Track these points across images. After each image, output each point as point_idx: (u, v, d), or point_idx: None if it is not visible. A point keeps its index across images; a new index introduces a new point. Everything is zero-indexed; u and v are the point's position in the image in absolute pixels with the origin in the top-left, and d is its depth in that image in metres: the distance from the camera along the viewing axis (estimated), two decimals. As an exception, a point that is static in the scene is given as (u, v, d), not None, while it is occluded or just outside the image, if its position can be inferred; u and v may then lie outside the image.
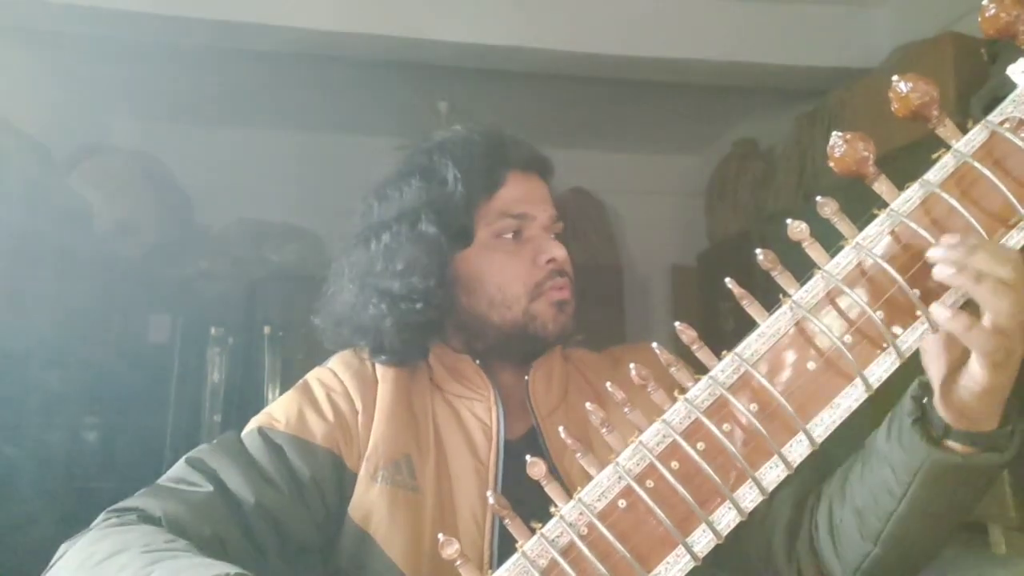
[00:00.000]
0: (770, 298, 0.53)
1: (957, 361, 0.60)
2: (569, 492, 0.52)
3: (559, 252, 0.92)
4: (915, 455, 0.67)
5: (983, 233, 0.49)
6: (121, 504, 0.76)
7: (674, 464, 0.51)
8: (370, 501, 0.84)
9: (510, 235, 0.93)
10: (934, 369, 0.62)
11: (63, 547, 0.70)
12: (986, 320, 0.53)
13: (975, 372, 0.58)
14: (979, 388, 0.60)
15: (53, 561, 0.69)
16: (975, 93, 2.36)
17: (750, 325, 0.52)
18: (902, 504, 0.69)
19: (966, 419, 0.64)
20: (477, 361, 0.93)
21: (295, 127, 4.47)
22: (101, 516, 0.74)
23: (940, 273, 0.50)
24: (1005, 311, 0.52)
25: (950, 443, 0.65)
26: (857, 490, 0.75)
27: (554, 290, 0.92)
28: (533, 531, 0.51)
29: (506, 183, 0.94)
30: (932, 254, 0.50)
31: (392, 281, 0.91)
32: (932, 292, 0.50)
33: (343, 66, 3.44)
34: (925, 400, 0.67)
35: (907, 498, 0.68)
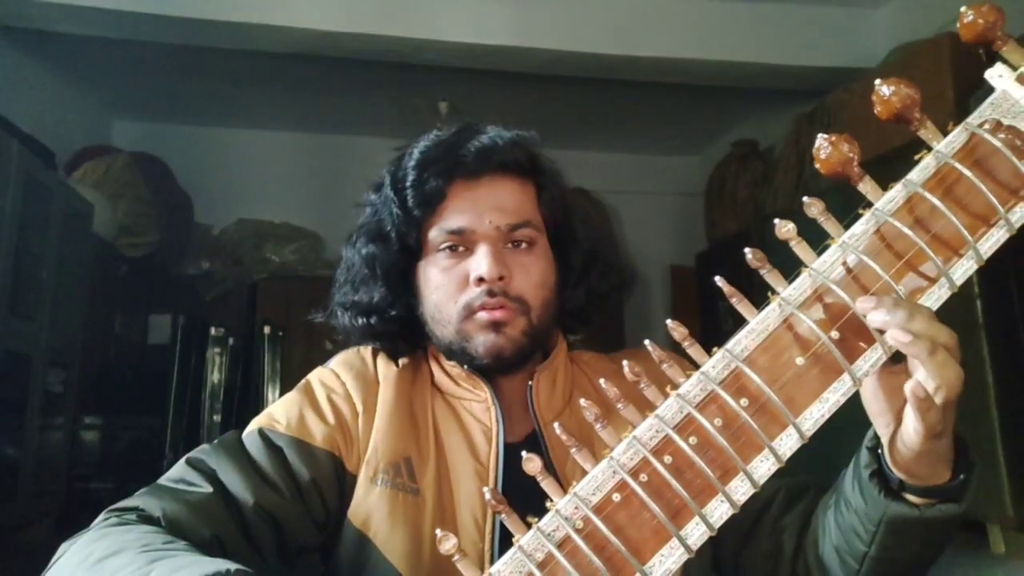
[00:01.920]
0: (769, 297, 0.53)
1: (897, 421, 0.60)
2: (565, 488, 0.52)
3: (489, 270, 0.85)
4: (875, 507, 0.66)
5: (901, 293, 0.50)
6: (121, 504, 0.76)
7: (667, 458, 0.51)
8: (370, 504, 0.84)
9: (448, 249, 0.89)
10: (879, 427, 0.62)
11: (63, 547, 0.70)
12: (934, 392, 0.53)
13: (911, 440, 0.59)
14: (913, 455, 0.60)
15: (53, 561, 0.69)
16: (973, 93, 2.37)
17: (745, 324, 0.53)
18: (872, 548, 0.69)
19: (914, 476, 0.63)
20: (465, 366, 0.91)
21: (295, 127, 4.48)
22: (101, 516, 0.74)
23: (895, 339, 0.50)
24: (954, 383, 0.53)
25: (908, 495, 0.65)
26: (833, 529, 0.75)
27: (484, 311, 0.86)
28: (530, 526, 0.52)
29: (449, 195, 0.89)
30: (874, 317, 0.50)
31: (350, 294, 0.94)
32: (916, 289, 0.51)
33: (343, 66, 3.45)
34: (880, 451, 0.66)
35: (875, 544, 0.68)
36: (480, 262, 0.86)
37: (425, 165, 0.90)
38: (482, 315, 0.86)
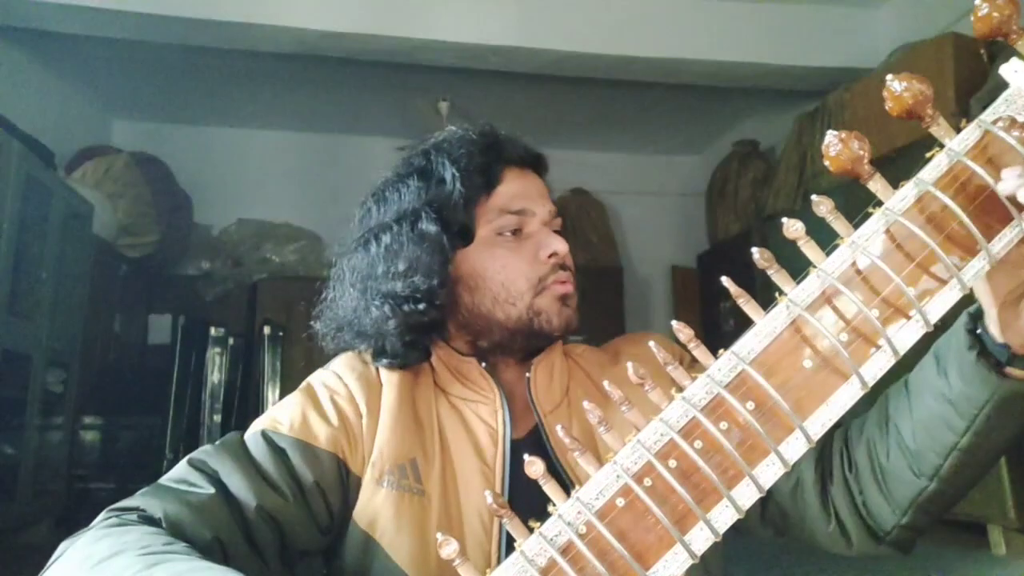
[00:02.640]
0: (772, 298, 0.53)
1: (1022, 284, 0.60)
2: (568, 491, 0.52)
3: (561, 246, 0.91)
4: (982, 388, 0.66)
5: None
6: (121, 503, 0.75)
7: (672, 462, 0.50)
8: (375, 506, 0.83)
9: (511, 231, 0.92)
10: (993, 296, 0.61)
11: (62, 546, 0.69)
12: None
13: None
14: None
15: (52, 560, 0.68)
16: (975, 93, 2.36)
17: (750, 325, 0.52)
18: (965, 437, 0.69)
19: None
20: (483, 364, 0.92)
21: (295, 127, 4.48)
22: (101, 515, 0.73)
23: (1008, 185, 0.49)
24: None
25: (1013, 371, 0.65)
26: (906, 429, 0.74)
27: (557, 284, 0.90)
28: (532, 530, 0.51)
29: (504, 180, 0.93)
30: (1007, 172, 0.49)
31: (395, 283, 0.90)
32: (927, 291, 0.50)
33: (343, 66, 3.45)
34: (979, 332, 0.66)
35: (971, 431, 0.69)
36: (552, 239, 0.92)
37: (480, 149, 0.93)
38: (557, 288, 0.90)
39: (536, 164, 0.99)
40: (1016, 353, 0.65)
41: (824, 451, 0.84)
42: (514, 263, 0.90)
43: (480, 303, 0.91)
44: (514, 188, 0.93)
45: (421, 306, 0.89)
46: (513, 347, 0.92)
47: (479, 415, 0.90)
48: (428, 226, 0.90)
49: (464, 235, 0.91)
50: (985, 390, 0.66)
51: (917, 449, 0.73)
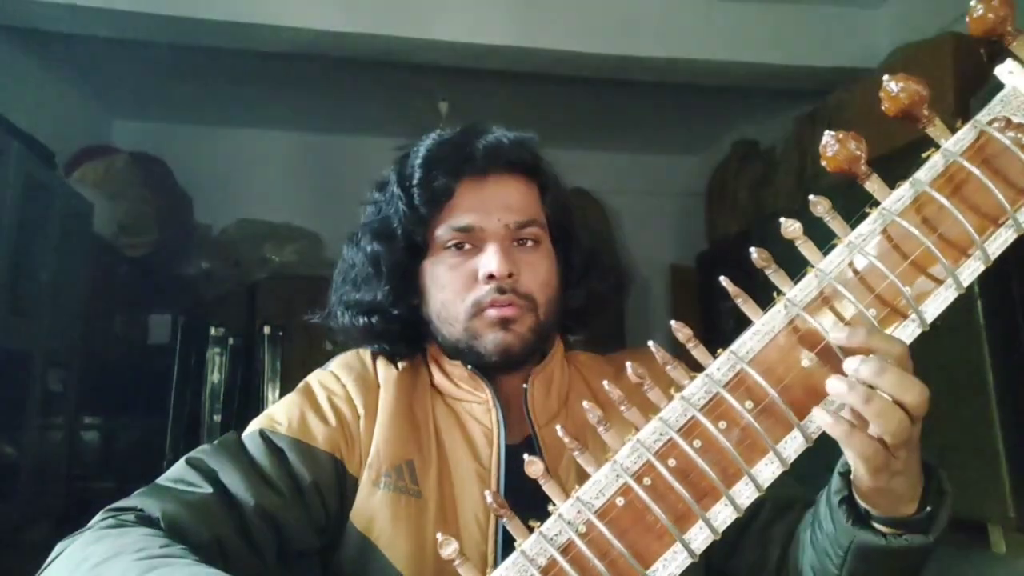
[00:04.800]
0: (772, 298, 0.53)
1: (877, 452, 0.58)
2: (567, 491, 0.52)
3: (499, 267, 0.85)
4: (843, 534, 0.65)
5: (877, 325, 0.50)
6: (119, 503, 0.75)
7: (671, 462, 0.51)
8: (372, 507, 0.83)
9: (455, 247, 0.89)
10: (848, 456, 0.59)
11: (59, 546, 0.69)
12: (873, 430, 0.52)
13: (858, 472, 0.58)
14: (868, 489, 0.59)
15: (49, 560, 0.68)
16: (975, 93, 2.36)
17: (748, 325, 0.53)
18: (843, 572, 0.68)
19: (877, 508, 0.62)
20: (468, 366, 0.91)
21: (295, 127, 4.47)
22: (99, 515, 0.73)
23: (832, 388, 0.50)
24: (891, 431, 0.52)
25: (876, 524, 0.64)
26: (808, 548, 0.75)
27: (493, 308, 0.86)
28: (532, 530, 0.51)
29: (456, 193, 0.89)
30: (846, 366, 0.50)
31: (352, 293, 0.93)
32: (924, 291, 0.51)
33: (343, 66, 3.45)
34: (853, 477, 0.64)
35: (845, 569, 0.68)
36: (490, 259, 0.87)
37: (433, 163, 0.90)
38: (492, 312, 0.87)
39: (515, 168, 0.92)
40: (872, 511, 0.63)
41: (789, 540, 0.83)
42: (451, 283, 0.88)
43: (430, 317, 0.92)
44: (465, 202, 0.89)
45: (374, 319, 0.91)
46: (468, 361, 0.90)
47: (473, 415, 0.90)
48: (372, 244, 0.91)
49: (413, 251, 0.91)
50: (845, 537, 0.65)
51: (815, 568, 0.73)
